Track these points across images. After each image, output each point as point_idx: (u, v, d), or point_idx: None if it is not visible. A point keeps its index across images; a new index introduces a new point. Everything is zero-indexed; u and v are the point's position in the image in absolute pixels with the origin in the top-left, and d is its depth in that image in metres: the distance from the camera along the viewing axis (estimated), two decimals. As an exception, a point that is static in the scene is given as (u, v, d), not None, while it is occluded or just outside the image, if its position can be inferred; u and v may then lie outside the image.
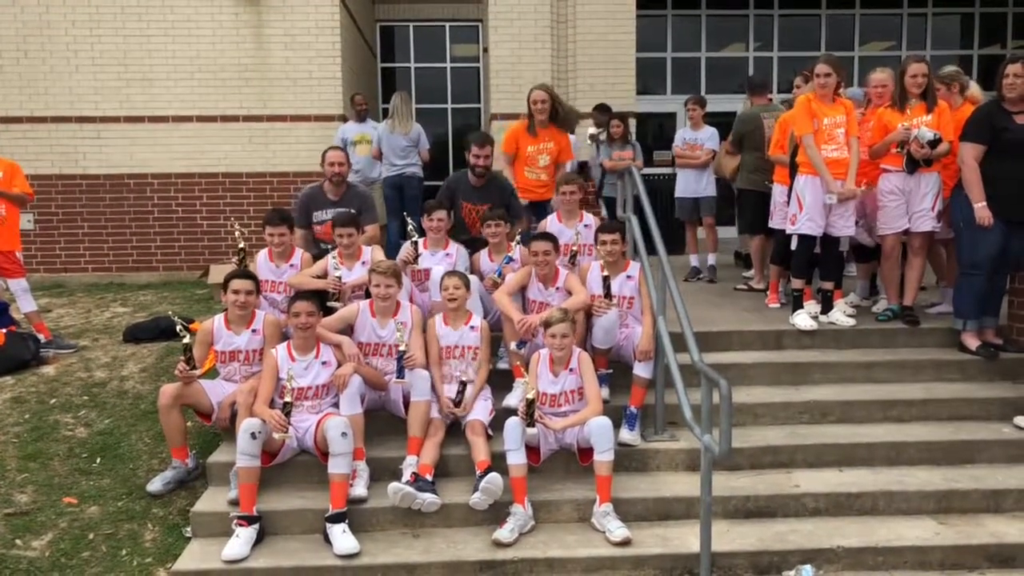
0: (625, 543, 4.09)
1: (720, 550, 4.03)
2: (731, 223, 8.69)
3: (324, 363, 4.59)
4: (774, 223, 6.64)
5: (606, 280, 5.00)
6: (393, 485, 4.23)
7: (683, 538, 4.17)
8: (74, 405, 5.50)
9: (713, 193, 8.09)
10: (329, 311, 4.98)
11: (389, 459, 4.58)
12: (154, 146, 9.70)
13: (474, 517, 4.30)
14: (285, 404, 4.31)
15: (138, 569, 4.15)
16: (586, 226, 5.74)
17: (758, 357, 5.54)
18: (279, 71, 9.70)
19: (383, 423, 4.85)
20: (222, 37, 9.63)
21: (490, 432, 4.61)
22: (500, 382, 5.05)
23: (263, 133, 9.77)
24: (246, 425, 4.20)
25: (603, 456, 4.26)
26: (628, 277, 5.15)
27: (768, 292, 6.62)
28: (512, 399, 4.87)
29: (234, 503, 4.27)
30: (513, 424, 4.28)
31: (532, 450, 4.43)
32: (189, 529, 4.33)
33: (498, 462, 4.34)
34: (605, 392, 4.88)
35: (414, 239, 5.44)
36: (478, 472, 4.31)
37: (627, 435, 4.73)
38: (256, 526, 4.14)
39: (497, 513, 4.26)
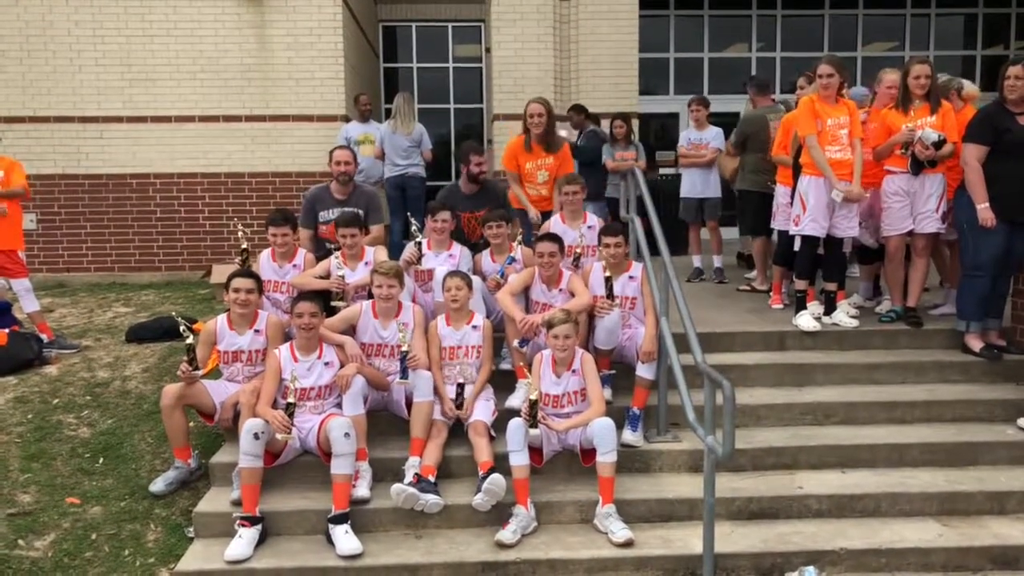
0: (628, 544, 4.09)
1: (723, 551, 4.03)
2: (730, 224, 8.67)
3: (327, 364, 4.59)
4: (776, 224, 6.64)
5: (608, 281, 4.99)
6: (396, 486, 4.24)
7: (686, 539, 4.16)
8: (77, 405, 5.51)
9: (718, 194, 8.07)
10: (332, 311, 4.98)
11: (392, 460, 4.58)
12: (157, 146, 9.71)
13: (477, 518, 4.30)
14: (288, 405, 4.31)
15: (141, 569, 4.15)
16: (589, 227, 5.72)
17: (761, 358, 5.53)
18: (282, 71, 9.71)
19: (385, 424, 4.85)
20: (225, 37, 9.64)
21: (493, 433, 4.61)
22: (503, 383, 5.05)
23: (265, 133, 9.77)
24: (249, 425, 4.21)
25: (606, 457, 4.25)
26: (631, 278, 5.14)
27: (771, 293, 6.61)
28: (515, 400, 4.87)
29: (237, 503, 4.27)
30: (516, 425, 4.27)
31: (535, 451, 4.42)
32: (192, 529, 4.33)
33: (501, 463, 4.34)
34: (608, 393, 4.87)
35: (418, 240, 5.44)
36: (481, 473, 4.31)
37: (630, 436, 4.73)
38: (259, 527, 4.14)
39: (500, 514, 4.26)
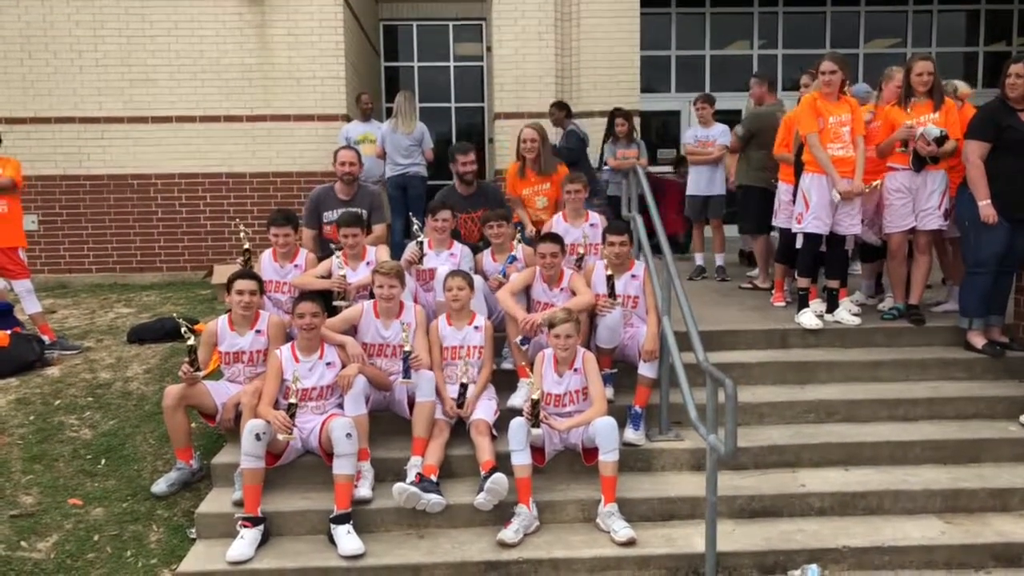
0: (630, 543, 4.09)
1: (725, 550, 4.03)
2: (731, 221, 8.65)
3: (328, 364, 4.58)
4: (778, 222, 6.63)
5: (610, 279, 4.99)
6: (398, 486, 4.23)
7: (688, 538, 4.16)
8: (79, 406, 5.51)
9: (723, 192, 8.04)
10: (334, 311, 4.98)
11: (394, 460, 4.57)
12: (157, 146, 9.70)
13: (479, 518, 4.29)
14: (289, 405, 4.31)
15: (143, 570, 4.15)
16: (592, 226, 5.70)
17: (763, 356, 5.52)
18: (282, 71, 9.69)
19: (387, 424, 4.84)
20: (225, 37, 9.62)
21: (495, 432, 4.61)
22: (505, 382, 5.05)
23: (266, 133, 9.76)
24: (250, 426, 4.21)
25: (608, 456, 4.25)
26: (632, 276, 5.13)
27: (773, 291, 6.60)
28: (517, 399, 4.87)
29: (238, 504, 4.27)
30: (518, 424, 4.27)
31: (537, 450, 4.42)
32: (194, 530, 4.33)
33: (503, 462, 4.34)
34: (609, 392, 4.87)
35: (419, 239, 5.43)
36: (483, 472, 4.30)
37: (632, 435, 4.73)
38: (261, 527, 4.14)
39: (502, 514, 4.25)
